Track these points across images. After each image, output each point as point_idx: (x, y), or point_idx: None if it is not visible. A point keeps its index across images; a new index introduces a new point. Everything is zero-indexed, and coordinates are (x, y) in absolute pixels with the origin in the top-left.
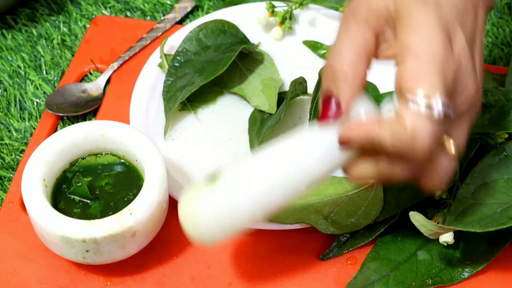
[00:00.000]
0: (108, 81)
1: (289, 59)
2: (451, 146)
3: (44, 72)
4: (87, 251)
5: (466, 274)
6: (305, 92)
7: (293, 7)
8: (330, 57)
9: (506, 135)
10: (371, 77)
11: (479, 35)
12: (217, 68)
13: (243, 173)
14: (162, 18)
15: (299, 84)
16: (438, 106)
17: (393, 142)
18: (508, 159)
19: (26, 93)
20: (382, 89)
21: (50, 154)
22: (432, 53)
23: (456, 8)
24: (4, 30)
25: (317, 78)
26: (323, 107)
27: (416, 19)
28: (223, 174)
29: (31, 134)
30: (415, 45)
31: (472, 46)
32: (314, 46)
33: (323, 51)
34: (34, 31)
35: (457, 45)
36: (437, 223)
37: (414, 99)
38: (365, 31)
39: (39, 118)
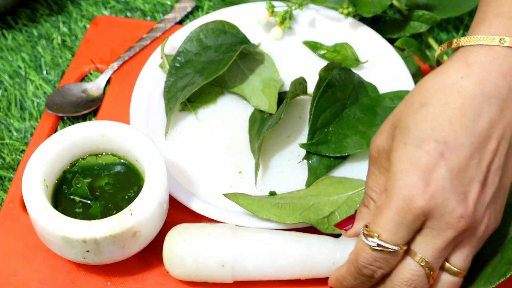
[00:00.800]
0: (108, 81)
1: (289, 59)
2: (449, 267)
3: (44, 72)
4: (88, 251)
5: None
6: (305, 92)
7: (293, 7)
8: (366, 187)
9: None
10: (371, 78)
11: (498, 161)
12: (217, 68)
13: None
14: (162, 18)
15: (299, 84)
16: (374, 241)
17: (347, 267)
18: None
19: (26, 93)
20: (381, 90)
21: (51, 154)
22: (394, 192)
23: (455, 139)
24: (4, 31)
25: (317, 78)
26: (345, 220)
27: (394, 158)
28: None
29: (32, 134)
30: (387, 184)
31: (472, 175)
32: (314, 46)
33: (323, 51)
34: (34, 31)
35: (435, 178)
36: None
37: (364, 232)
38: (381, 172)
39: (40, 118)
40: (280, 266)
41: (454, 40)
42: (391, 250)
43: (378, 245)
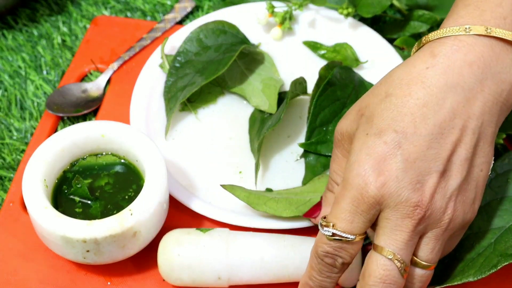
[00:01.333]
0: (108, 81)
1: (289, 59)
2: (416, 260)
3: (45, 72)
4: (88, 251)
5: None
6: (305, 92)
7: (293, 8)
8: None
9: (504, 135)
10: (371, 78)
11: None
12: (217, 68)
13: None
14: (162, 18)
15: (299, 84)
16: (330, 230)
17: (310, 262)
18: (499, 178)
19: (26, 93)
20: None
21: (51, 154)
22: (349, 182)
23: (413, 130)
24: (4, 31)
25: (317, 78)
26: (312, 208)
27: (354, 147)
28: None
29: (32, 134)
30: (344, 174)
31: (427, 167)
32: (314, 46)
33: (323, 51)
34: (34, 31)
35: (389, 167)
36: None
37: (321, 223)
38: (344, 156)
39: (40, 118)
40: (276, 274)
41: (423, 38)
42: (348, 239)
43: (334, 234)
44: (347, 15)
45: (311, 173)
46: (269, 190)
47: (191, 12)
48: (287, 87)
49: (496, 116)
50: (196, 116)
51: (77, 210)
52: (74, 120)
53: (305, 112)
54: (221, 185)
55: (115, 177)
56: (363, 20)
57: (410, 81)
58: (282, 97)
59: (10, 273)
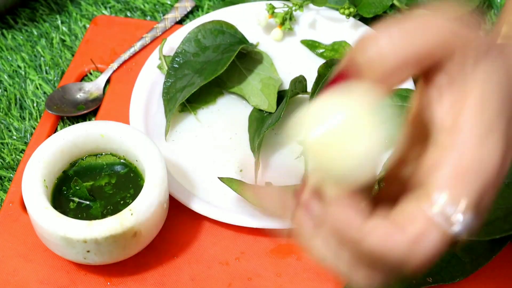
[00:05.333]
0: (108, 81)
1: (288, 58)
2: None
3: (44, 72)
4: (88, 251)
5: (466, 273)
6: (304, 90)
7: (293, 8)
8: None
9: None
10: None
11: None
12: (216, 68)
13: None
14: (162, 18)
15: (299, 83)
16: (459, 219)
17: (377, 243)
18: None
19: (26, 93)
20: None
21: (50, 154)
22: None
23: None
24: (4, 30)
25: (315, 76)
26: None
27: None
28: None
29: (31, 134)
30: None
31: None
32: (312, 45)
33: (321, 50)
34: (34, 31)
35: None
36: None
37: (435, 201)
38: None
39: (39, 118)
40: None
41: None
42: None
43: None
44: (348, 15)
45: None
46: (268, 184)
47: (191, 12)
48: (286, 86)
49: None
50: (195, 116)
51: (77, 210)
52: (74, 120)
53: None
54: (218, 178)
55: (115, 177)
56: (363, 20)
57: None
58: (281, 95)
59: (10, 273)
